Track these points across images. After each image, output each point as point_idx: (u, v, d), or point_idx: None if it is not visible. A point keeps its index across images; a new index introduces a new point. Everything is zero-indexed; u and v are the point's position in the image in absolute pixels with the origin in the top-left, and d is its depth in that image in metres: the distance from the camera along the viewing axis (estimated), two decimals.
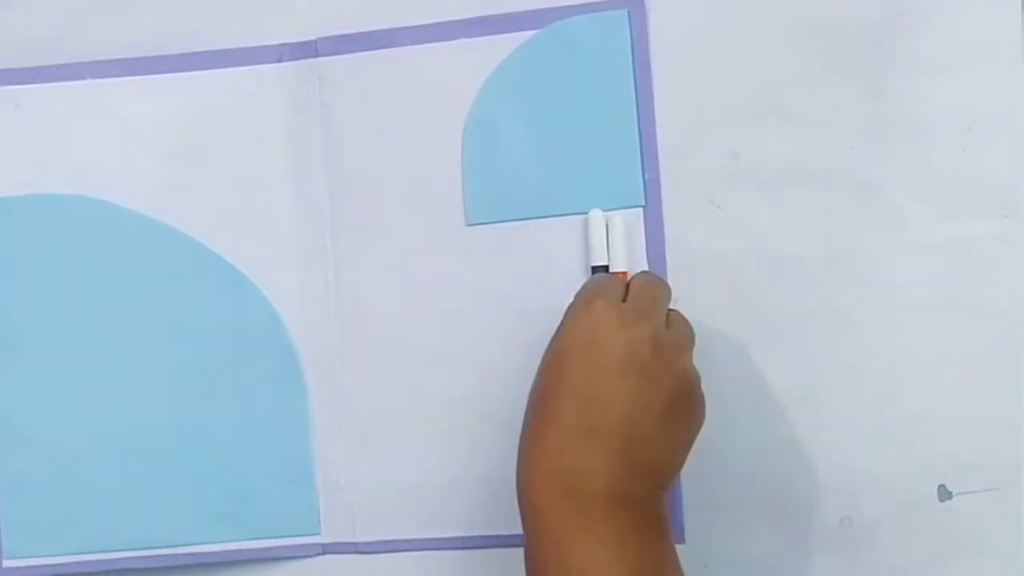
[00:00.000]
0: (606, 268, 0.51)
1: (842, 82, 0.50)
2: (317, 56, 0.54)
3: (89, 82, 0.55)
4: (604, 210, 0.51)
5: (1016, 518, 0.49)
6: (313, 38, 0.54)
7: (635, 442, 0.43)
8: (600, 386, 0.43)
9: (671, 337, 0.45)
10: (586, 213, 0.51)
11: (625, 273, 0.51)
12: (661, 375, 0.43)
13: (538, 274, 0.52)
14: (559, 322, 0.45)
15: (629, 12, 0.52)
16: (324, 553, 0.55)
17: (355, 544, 0.54)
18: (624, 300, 0.46)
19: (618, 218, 0.51)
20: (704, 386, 0.46)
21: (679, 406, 0.44)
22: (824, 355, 0.50)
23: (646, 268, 0.52)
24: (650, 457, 0.43)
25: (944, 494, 0.50)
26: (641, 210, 0.52)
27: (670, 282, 0.51)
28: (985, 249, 0.49)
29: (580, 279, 0.52)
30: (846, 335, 0.50)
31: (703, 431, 0.46)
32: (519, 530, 0.53)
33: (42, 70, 0.55)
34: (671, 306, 0.48)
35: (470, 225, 0.53)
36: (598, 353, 0.43)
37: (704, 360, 0.50)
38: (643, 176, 0.52)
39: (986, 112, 0.49)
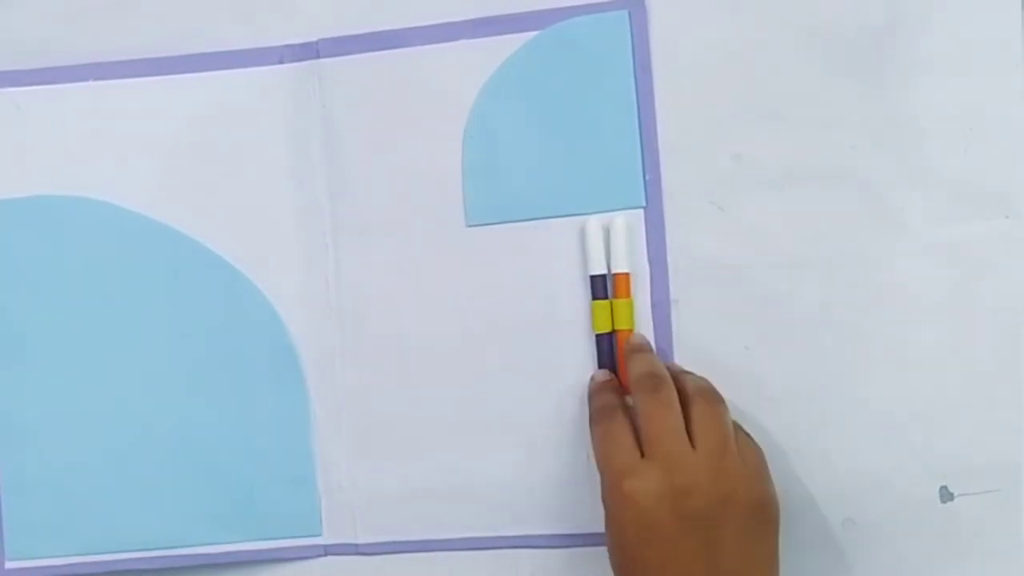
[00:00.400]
0: (604, 277, 0.51)
1: (842, 83, 0.50)
2: (318, 57, 0.54)
3: (90, 84, 0.55)
4: (605, 212, 0.51)
5: (1017, 519, 0.49)
6: (314, 39, 0.54)
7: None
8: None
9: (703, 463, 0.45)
10: (587, 214, 0.51)
11: (627, 275, 0.51)
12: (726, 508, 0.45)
13: (538, 275, 0.52)
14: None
15: (630, 13, 0.52)
16: (326, 554, 0.54)
17: (356, 545, 0.54)
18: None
19: (620, 219, 0.51)
20: None
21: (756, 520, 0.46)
22: (825, 356, 0.50)
23: (647, 268, 0.51)
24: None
25: (946, 495, 0.50)
26: (642, 211, 0.52)
27: (671, 283, 0.51)
28: (985, 249, 0.49)
29: (580, 280, 0.52)
30: (847, 335, 0.50)
31: None
32: (520, 531, 0.53)
33: (44, 72, 0.55)
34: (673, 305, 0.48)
35: (470, 226, 0.53)
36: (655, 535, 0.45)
37: (705, 361, 0.51)
38: (644, 177, 0.51)
39: (986, 112, 0.49)
